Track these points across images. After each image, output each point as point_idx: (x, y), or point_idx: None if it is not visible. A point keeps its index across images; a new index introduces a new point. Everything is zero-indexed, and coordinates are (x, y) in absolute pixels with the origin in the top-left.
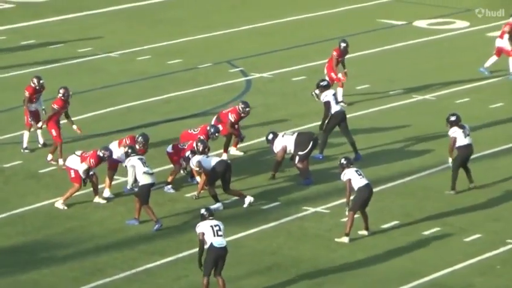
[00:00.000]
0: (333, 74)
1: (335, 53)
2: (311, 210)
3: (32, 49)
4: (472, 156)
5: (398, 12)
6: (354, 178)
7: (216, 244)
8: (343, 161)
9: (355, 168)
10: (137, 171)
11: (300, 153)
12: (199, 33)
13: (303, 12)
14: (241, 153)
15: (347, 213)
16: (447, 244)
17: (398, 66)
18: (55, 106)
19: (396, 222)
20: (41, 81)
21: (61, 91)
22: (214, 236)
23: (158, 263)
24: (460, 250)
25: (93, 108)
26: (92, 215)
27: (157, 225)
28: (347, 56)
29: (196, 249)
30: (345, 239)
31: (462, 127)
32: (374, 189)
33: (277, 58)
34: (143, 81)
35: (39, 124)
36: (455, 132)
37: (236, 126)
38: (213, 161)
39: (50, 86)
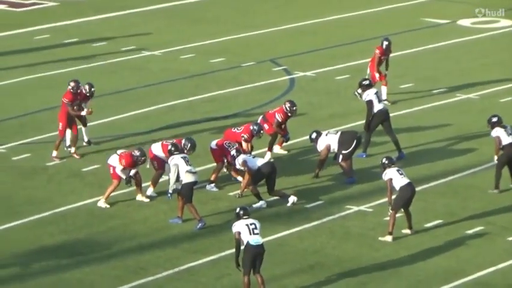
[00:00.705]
0: (376, 73)
1: (377, 52)
2: (354, 209)
3: (75, 47)
4: None
5: (442, 11)
6: (396, 177)
7: (252, 242)
8: (384, 160)
9: (396, 168)
10: (180, 169)
11: (343, 152)
12: (241, 32)
13: (347, 11)
14: (285, 152)
15: (389, 212)
16: (490, 243)
17: (442, 65)
18: (65, 100)
19: (439, 221)
20: (92, 89)
21: (71, 84)
22: (250, 234)
23: (200, 261)
24: (503, 249)
25: (135, 107)
26: (135, 214)
27: (200, 224)
28: (391, 55)
29: None
30: (389, 238)
31: (504, 127)
32: (417, 188)
33: (320, 57)
34: (185, 79)
35: (83, 112)
36: (497, 132)
37: (282, 125)
38: (258, 161)
39: (94, 84)
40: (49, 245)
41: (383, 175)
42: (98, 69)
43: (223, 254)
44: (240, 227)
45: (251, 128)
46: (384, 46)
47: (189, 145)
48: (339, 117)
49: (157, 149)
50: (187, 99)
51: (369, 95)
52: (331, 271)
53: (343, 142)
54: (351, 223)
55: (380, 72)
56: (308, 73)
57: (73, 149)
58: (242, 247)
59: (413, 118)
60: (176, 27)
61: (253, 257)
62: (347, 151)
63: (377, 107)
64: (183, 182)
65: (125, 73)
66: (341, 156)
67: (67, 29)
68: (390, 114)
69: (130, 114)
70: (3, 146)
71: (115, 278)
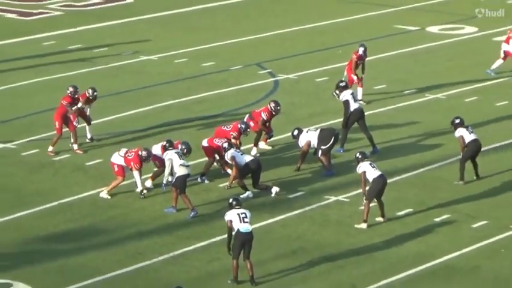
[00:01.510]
0: (353, 76)
1: (354, 56)
2: (333, 199)
3: (79, 52)
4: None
5: (413, 19)
6: (369, 170)
7: (242, 230)
8: (358, 155)
9: (369, 162)
10: (174, 163)
11: (322, 147)
12: (230, 38)
13: (326, 20)
14: (270, 147)
15: (363, 202)
16: (456, 230)
17: (412, 68)
18: (64, 102)
19: (410, 209)
20: (95, 93)
21: (70, 89)
22: (241, 222)
23: (193, 247)
24: (468, 235)
25: (134, 106)
26: (133, 204)
27: (192, 213)
28: (366, 59)
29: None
30: (364, 225)
31: (465, 127)
32: (390, 180)
33: (302, 61)
34: (179, 82)
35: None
36: (460, 132)
37: (267, 123)
38: (246, 158)
39: (96, 86)
40: (56, 233)
41: (357, 168)
42: (100, 73)
43: (214, 240)
44: (232, 215)
45: (239, 126)
46: (360, 51)
47: (186, 149)
48: (318, 116)
49: (157, 150)
50: (181, 99)
51: (346, 95)
52: (312, 255)
53: (322, 138)
54: (330, 212)
55: (356, 75)
56: (291, 76)
57: (75, 146)
58: (233, 233)
59: (386, 116)
60: (171, 35)
61: (243, 242)
62: (326, 146)
63: (353, 106)
64: (177, 175)
65: (125, 76)
66: (320, 151)
67: (71, 36)
68: (366, 113)
69: (129, 114)
70: (14, 143)
71: (116, 262)
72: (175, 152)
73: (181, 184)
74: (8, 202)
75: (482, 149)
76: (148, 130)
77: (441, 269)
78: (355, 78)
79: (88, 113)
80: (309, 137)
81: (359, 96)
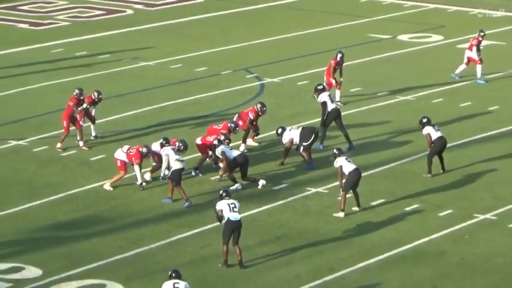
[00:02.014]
0: (331, 79)
1: (332, 62)
2: (313, 190)
3: (84, 59)
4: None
5: (385, 28)
6: (345, 164)
7: (232, 218)
8: (335, 151)
9: (345, 157)
10: (170, 158)
11: (304, 143)
12: (221, 46)
13: (307, 29)
14: (257, 144)
15: (340, 193)
16: (424, 218)
17: (385, 72)
18: (70, 103)
19: (382, 200)
20: (99, 96)
21: (76, 91)
22: (231, 211)
23: (187, 234)
24: (435, 223)
25: (133, 107)
26: (133, 195)
27: (187, 203)
28: (343, 65)
29: (218, 223)
30: (341, 214)
31: (432, 125)
32: (365, 173)
33: (285, 66)
34: (174, 85)
35: (82, 107)
36: (427, 129)
37: (254, 122)
38: (234, 152)
39: (100, 89)
40: (63, 221)
41: (335, 163)
42: (103, 77)
43: (206, 227)
44: (222, 205)
45: (229, 125)
46: (338, 58)
47: (183, 146)
48: (300, 116)
49: (156, 147)
50: (176, 101)
51: (323, 97)
52: (294, 241)
53: (303, 136)
54: (311, 202)
55: (335, 79)
56: (275, 79)
57: (81, 143)
58: (223, 221)
59: (361, 116)
60: (167, 43)
61: (232, 230)
62: (307, 143)
63: (330, 106)
64: (173, 169)
65: (125, 80)
66: (302, 147)
67: (77, 44)
68: (342, 113)
69: (130, 114)
70: (25, 140)
71: (117, 247)
72: (171, 148)
73: (176, 177)
74: (20, 193)
75: (448, 145)
76: (146, 129)
77: (411, 253)
78: (333, 81)
79: (93, 113)
80: (292, 134)
81: (337, 98)
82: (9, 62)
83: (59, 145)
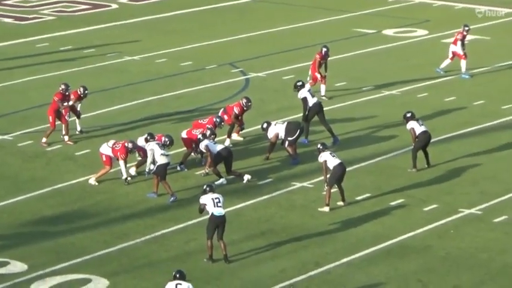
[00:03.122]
0: (316, 74)
1: (317, 56)
2: (298, 185)
3: (69, 53)
4: (430, 141)
5: (370, 23)
6: (329, 159)
7: (216, 213)
8: (319, 146)
9: (329, 151)
10: (155, 153)
11: (289, 138)
12: (206, 41)
13: (291, 23)
14: (242, 139)
15: (325, 188)
16: (409, 212)
17: (370, 67)
18: (56, 98)
19: (368, 194)
20: (85, 91)
21: (62, 86)
22: (215, 206)
23: (172, 228)
24: (420, 217)
25: (118, 102)
26: (118, 190)
27: (172, 198)
28: (328, 59)
29: (203, 217)
30: (326, 209)
31: (416, 120)
32: (350, 168)
33: (270, 61)
34: (159, 80)
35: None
36: (411, 124)
37: (239, 117)
38: (218, 147)
39: (84, 84)
40: (48, 216)
41: (319, 158)
42: (88, 72)
43: (190, 222)
44: (207, 199)
45: (214, 119)
46: (323, 52)
47: (169, 141)
48: (285, 110)
49: (141, 142)
50: (161, 95)
51: (303, 93)
52: (279, 236)
53: (289, 130)
54: (296, 196)
55: (320, 73)
56: (260, 74)
57: (66, 138)
58: (208, 216)
59: (346, 110)
60: (152, 37)
61: (216, 224)
62: (292, 138)
63: (311, 101)
64: (158, 163)
65: (110, 75)
66: (287, 142)
67: (62, 39)
68: (328, 108)
69: (114, 108)
70: (10, 135)
71: (103, 242)
72: (156, 143)
73: (161, 172)
74: (5, 188)
75: (433, 140)
76: (131, 123)
77: (396, 248)
78: (319, 76)
79: (78, 108)
80: (277, 129)
81: (322, 92)
82: None
83: (44, 140)
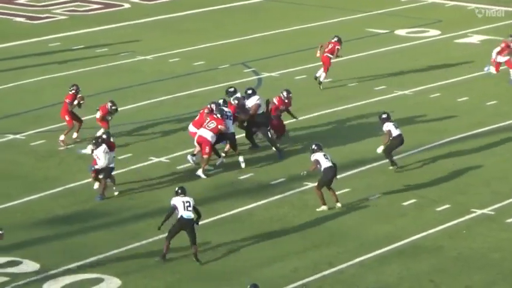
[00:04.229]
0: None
1: (332, 46)
2: (311, 185)
3: (81, 52)
4: (442, 141)
5: (382, 23)
6: (321, 160)
7: (185, 216)
8: (314, 146)
9: (323, 153)
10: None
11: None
12: (218, 40)
13: (304, 23)
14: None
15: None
16: (422, 213)
17: (382, 67)
18: (67, 100)
19: (380, 194)
20: (113, 107)
21: (73, 87)
22: (184, 210)
23: None
24: (432, 218)
25: (131, 102)
26: (130, 190)
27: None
28: (341, 59)
29: (215, 217)
30: (324, 207)
31: (392, 122)
32: (362, 168)
33: (283, 60)
34: (172, 79)
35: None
36: (388, 126)
37: (282, 110)
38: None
39: (96, 83)
40: (61, 215)
41: (311, 157)
42: (100, 71)
43: (201, 223)
44: (177, 202)
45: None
46: (335, 39)
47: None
48: (298, 110)
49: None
50: (174, 95)
51: (253, 100)
52: (292, 236)
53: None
54: (308, 196)
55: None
56: (273, 74)
57: (62, 137)
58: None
59: (358, 110)
60: (165, 37)
61: (181, 227)
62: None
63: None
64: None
65: (123, 74)
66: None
67: (75, 38)
68: (340, 107)
69: (127, 108)
70: (23, 134)
71: (115, 242)
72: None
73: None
74: (18, 188)
75: (445, 141)
76: (144, 122)
77: (408, 248)
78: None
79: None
80: (260, 102)
81: (322, 78)
82: (7, 56)
83: (62, 137)
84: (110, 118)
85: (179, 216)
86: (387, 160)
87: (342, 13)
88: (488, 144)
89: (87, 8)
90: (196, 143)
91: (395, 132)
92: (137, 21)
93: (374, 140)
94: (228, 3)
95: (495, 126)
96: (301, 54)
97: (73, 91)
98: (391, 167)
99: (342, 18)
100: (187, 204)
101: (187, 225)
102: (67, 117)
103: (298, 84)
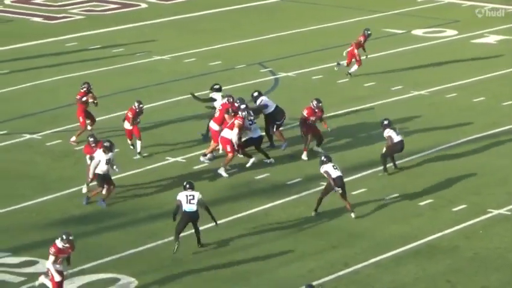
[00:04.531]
0: (356, 51)
1: (361, 39)
2: None
3: (98, 52)
4: (458, 142)
5: (399, 23)
6: (331, 171)
7: (187, 209)
8: (323, 158)
9: (332, 164)
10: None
11: (277, 122)
12: (234, 40)
13: (321, 23)
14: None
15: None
16: (438, 213)
17: (399, 67)
18: (78, 96)
19: (396, 194)
20: (141, 105)
21: (84, 85)
22: (187, 203)
23: (201, 228)
24: (448, 218)
25: (147, 102)
26: (146, 190)
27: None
28: (358, 59)
29: (231, 217)
30: (313, 214)
31: (393, 128)
32: (378, 168)
33: (299, 60)
34: (188, 79)
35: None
36: (388, 132)
37: (311, 120)
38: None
39: (113, 83)
40: (77, 215)
41: (320, 169)
42: (116, 71)
43: (218, 222)
44: (181, 196)
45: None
46: (366, 34)
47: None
48: None
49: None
50: (190, 95)
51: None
52: (308, 236)
53: (277, 113)
54: (325, 197)
55: (359, 54)
56: (290, 74)
57: (74, 138)
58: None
59: (375, 110)
60: (181, 37)
61: (186, 221)
62: (280, 122)
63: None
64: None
65: (139, 74)
66: (275, 126)
67: (91, 38)
68: (357, 107)
69: (143, 108)
70: (39, 134)
71: (130, 242)
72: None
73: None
74: (34, 188)
75: (461, 141)
76: (159, 123)
77: (424, 248)
78: (357, 56)
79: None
80: (267, 102)
81: (352, 69)
82: (23, 56)
83: (73, 138)
84: (139, 120)
85: (183, 210)
86: (403, 160)
87: (358, 13)
88: (504, 145)
89: (104, 8)
90: (217, 142)
91: (396, 138)
92: (153, 21)
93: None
94: (244, 3)
95: (510, 126)
96: (318, 54)
97: (84, 89)
98: (381, 174)
99: (358, 18)
100: (191, 197)
101: (190, 217)
102: (80, 118)
103: (314, 84)
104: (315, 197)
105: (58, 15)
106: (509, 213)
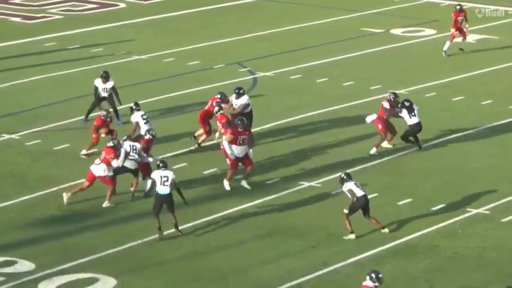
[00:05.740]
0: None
1: (453, 15)
2: (306, 184)
3: (77, 52)
4: (437, 141)
5: (378, 22)
6: (355, 189)
7: (160, 192)
8: (344, 176)
9: (354, 181)
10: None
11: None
12: (213, 40)
13: (298, 23)
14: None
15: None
16: (417, 212)
17: (378, 66)
18: (95, 124)
19: (376, 194)
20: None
21: (103, 113)
22: (161, 184)
23: (180, 228)
24: (427, 217)
25: (125, 102)
26: (127, 189)
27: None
28: (337, 58)
29: (211, 216)
30: (352, 236)
31: (411, 110)
32: (359, 167)
33: (278, 60)
34: (167, 79)
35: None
36: (404, 114)
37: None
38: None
39: (92, 83)
40: (56, 215)
41: (343, 187)
42: (96, 71)
43: (198, 221)
44: (155, 176)
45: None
46: (457, 8)
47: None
48: (293, 110)
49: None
50: (169, 95)
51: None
52: (287, 236)
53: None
54: (304, 196)
55: (459, 30)
56: (268, 73)
57: (84, 151)
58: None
59: (354, 110)
60: (160, 36)
61: (161, 202)
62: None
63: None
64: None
65: (118, 74)
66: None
67: (70, 38)
68: (336, 107)
69: (121, 108)
70: (18, 134)
71: (111, 241)
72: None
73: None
74: (13, 187)
75: (441, 140)
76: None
77: (404, 247)
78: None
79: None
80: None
81: (445, 47)
82: (2, 56)
83: (84, 152)
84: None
85: (156, 191)
86: (382, 159)
87: (336, 13)
88: (482, 144)
89: (82, 8)
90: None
91: (410, 121)
92: (132, 21)
93: (368, 140)
94: (222, 3)
95: (490, 125)
96: (296, 53)
97: (103, 116)
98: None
99: (336, 17)
100: (165, 179)
101: (164, 199)
102: (93, 135)
103: (293, 84)
104: (294, 196)
105: (37, 15)
106: (488, 212)
